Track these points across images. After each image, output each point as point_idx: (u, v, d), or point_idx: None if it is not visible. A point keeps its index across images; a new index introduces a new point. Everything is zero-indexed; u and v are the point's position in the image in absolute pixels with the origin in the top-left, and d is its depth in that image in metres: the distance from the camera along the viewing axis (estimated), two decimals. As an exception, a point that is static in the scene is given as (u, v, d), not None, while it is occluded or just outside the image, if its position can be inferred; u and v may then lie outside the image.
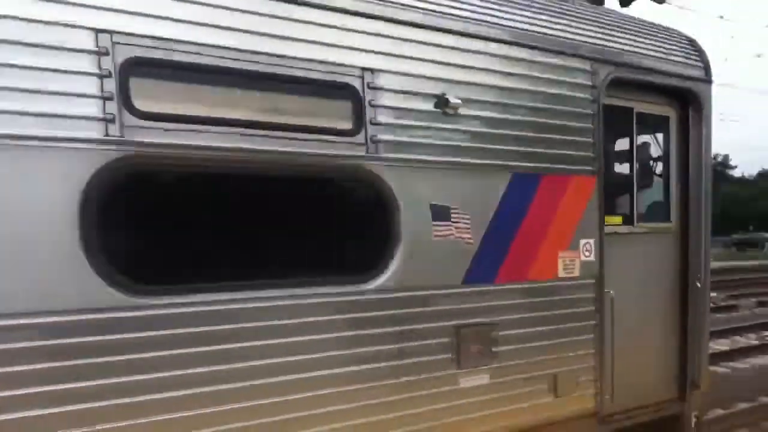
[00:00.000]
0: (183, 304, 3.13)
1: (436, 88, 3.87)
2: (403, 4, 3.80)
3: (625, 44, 4.87)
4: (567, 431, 4.51)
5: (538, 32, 4.36)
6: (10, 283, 2.72)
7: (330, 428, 3.53)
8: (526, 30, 4.31)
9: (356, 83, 3.59)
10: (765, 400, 8.57)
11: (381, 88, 3.67)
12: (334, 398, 3.54)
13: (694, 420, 5.35)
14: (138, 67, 3.00)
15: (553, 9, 4.63)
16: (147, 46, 3.02)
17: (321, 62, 3.48)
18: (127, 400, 2.98)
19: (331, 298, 3.54)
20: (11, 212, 2.72)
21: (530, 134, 4.29)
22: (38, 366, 2.79)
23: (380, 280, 3.70)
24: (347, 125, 3.59)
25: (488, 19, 4.15)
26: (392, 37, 3.73)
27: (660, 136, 5.33)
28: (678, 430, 5.34)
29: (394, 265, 3.74)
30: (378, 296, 3.69)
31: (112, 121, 2.92)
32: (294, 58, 3.40)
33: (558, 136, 4.42)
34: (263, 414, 3.34)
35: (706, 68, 5.28)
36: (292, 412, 3.43)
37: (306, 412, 3.47)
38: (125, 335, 2.98)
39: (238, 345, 3.27)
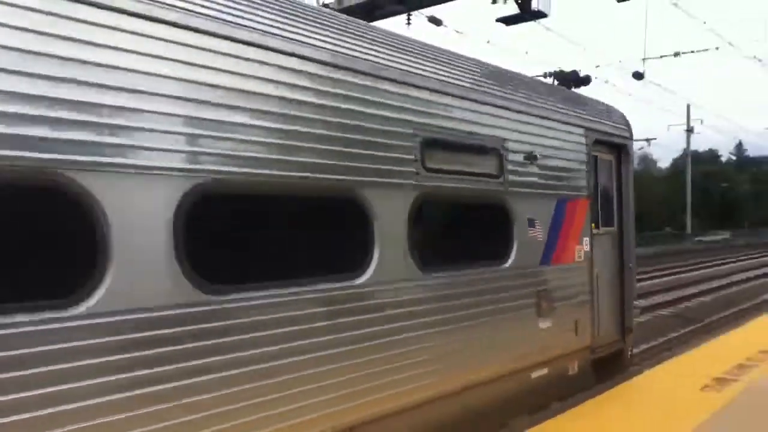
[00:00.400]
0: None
1: (529, 149, 6.57)
2: (523, 102, 6.75)
3: (597, 119, 8.07)
4: (576, 357, 7.33)
5: (566, 114, 7.42)
6: None
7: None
8: (562, 113, 7.38)
9: (500, 147, 6.14)
10: (661, 339, 13.99)
11: (509, 150, 6.25)
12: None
13: (629, 353, 8.63)
14: (426, 144, 5.29)
15: (569, 99, 8.10)
16: (433, 132, 5.40)
17: (488, 136, 6.00)
18: (214, 375, 3.73)
19: (488, 268, 6.11)
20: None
21: (564, 174, 7.22)
22: (147, 353, 3.43)
23: (507, 263, 6.28)
24: (496, 171, 6.13)
25: (547, 109, 7.16)
26: (512, 120, 6.47)
27: (606, 173, 8.45)
28: (620, 360, 8.35)
29: (512, 255, 6.30)
30: (507, 273, 6.23)
31: (418, 173, 5.17)
32: (477, 134, 5.91)
33: (574, 175, 7.40)
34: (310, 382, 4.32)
35: (630, 131, 8.78)
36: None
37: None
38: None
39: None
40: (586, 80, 12.47)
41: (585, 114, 7.82)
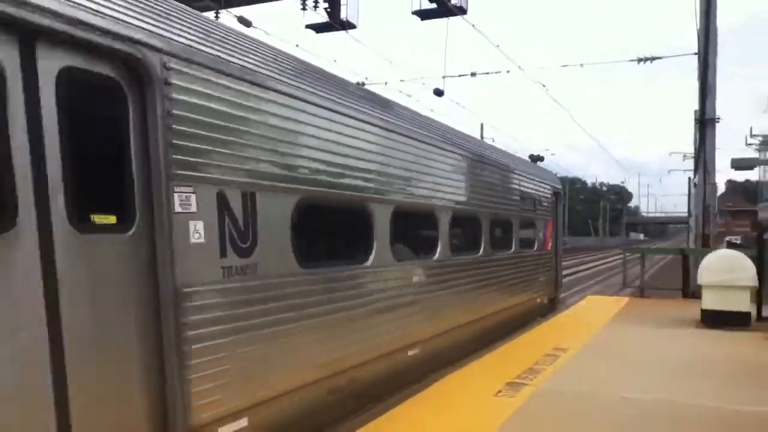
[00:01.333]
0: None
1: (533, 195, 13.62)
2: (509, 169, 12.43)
3: (552, 180, 15.92)
4: (542, 306, 14.55)
5: (546, 180, 14.95)
6: None
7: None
8: (546, 181, 14.96)
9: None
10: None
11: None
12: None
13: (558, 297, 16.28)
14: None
15: (540, 173, 15.26)
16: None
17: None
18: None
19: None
20: None
21: (548, 208, 14.71)
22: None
23: (511, 250, 12.22)
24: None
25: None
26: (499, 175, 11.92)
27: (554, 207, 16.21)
28: (556, 300, 15.98)
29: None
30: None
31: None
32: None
33: (549, 208, 14.78)
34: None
35: (560, 184, 16.52)
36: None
37: None
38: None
39: None
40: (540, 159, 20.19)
41: (548, 177, 15.84)
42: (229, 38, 5.19)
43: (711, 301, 11.01)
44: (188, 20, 4.70)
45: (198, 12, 5.22)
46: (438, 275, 8.62)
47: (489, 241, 10.49)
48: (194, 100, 4.44)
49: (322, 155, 6.10)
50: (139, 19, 4.05)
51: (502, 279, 11.43)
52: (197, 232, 4.40)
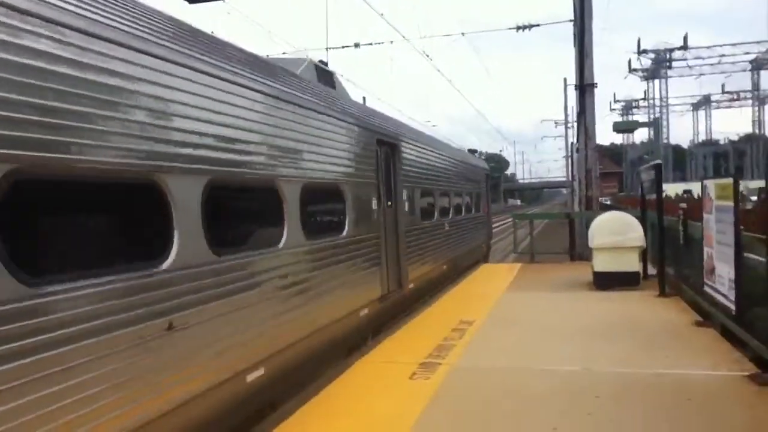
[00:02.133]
0: None
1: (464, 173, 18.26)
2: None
3: (483, 164, 22.63)
4: (483, 247, 21.04)
5: (479, 166, 21.60)
6: None
7: None
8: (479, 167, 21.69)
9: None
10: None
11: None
12: None
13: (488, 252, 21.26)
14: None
15: (475, 162, 21.79)
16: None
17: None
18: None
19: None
20: None
21: (477, 184, 20.26)
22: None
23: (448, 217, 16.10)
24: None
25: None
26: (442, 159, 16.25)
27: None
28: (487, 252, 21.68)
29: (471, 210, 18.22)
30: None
31: None
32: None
33: (482, 185, 21.34)
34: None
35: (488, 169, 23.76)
36: None
37: None
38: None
39: None
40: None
41: (481, 164, 21.54)
42: None
43: (602, 263, 11.26)
44: None
45: None
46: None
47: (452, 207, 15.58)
48: None
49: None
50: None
51: (463, 232, 16.94)
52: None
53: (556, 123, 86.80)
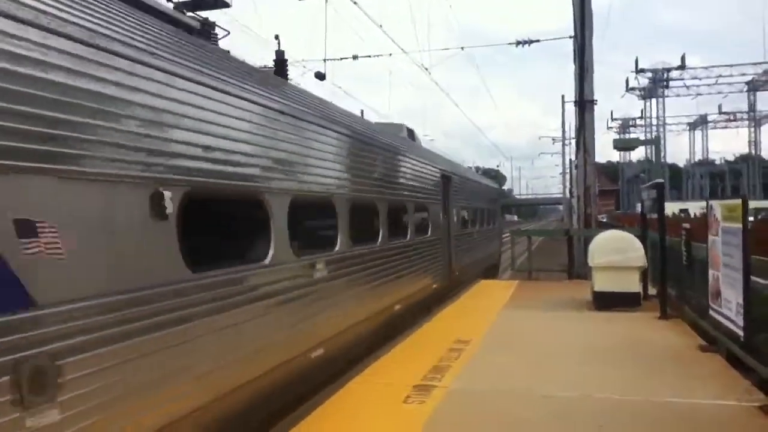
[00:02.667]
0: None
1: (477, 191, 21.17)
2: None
3: (497, 188, 29.28)
4: (496, 257, 24.39)
5: (487, 183, 25.49)
6: None
7: None
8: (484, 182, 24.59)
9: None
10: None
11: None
12: None
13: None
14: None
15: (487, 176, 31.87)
16: None
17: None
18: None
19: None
20: None
21: (493, 202, 24.76)
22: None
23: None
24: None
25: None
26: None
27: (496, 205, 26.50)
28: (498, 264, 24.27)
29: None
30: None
31: None
32: None
33: (495, 204, 25.75)
34: None
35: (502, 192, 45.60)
36: None
37: None
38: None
39: None
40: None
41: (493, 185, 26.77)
42: None
43: (602, 282, 11.00)
44: None
45: None
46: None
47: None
48: None
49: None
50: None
51: (486, 238, 20.91)
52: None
53: (553, 139, 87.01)
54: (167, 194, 4.44)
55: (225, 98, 5.42)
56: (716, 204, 7.49)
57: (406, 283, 10.77)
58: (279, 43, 11.04)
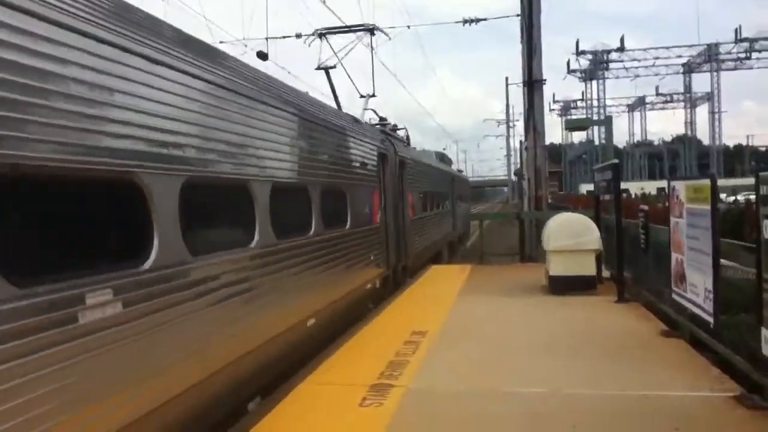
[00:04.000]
0: None
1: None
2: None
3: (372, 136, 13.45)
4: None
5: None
6: None
7: None
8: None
9: None
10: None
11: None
12: None
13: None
14: None
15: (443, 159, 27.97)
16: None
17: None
18: None
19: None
20: None
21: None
22: None
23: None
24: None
25: None
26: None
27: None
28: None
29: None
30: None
31: None
32: None
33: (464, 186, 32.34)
34: None
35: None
36: None
37: None
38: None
39: None
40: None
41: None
42: None
43: (558, 266, 10.74)
44: None
45: None
46: None
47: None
48: None
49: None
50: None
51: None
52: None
53: (498, 122, 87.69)
54: None
55: None
56: (679, 184, 7.22)
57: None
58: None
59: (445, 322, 8.81)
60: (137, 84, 4.41)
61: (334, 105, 13.37)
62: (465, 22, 22.32)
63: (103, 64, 4.05)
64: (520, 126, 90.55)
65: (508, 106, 68.50)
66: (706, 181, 6.32)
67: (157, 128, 4.61)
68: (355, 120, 12.21)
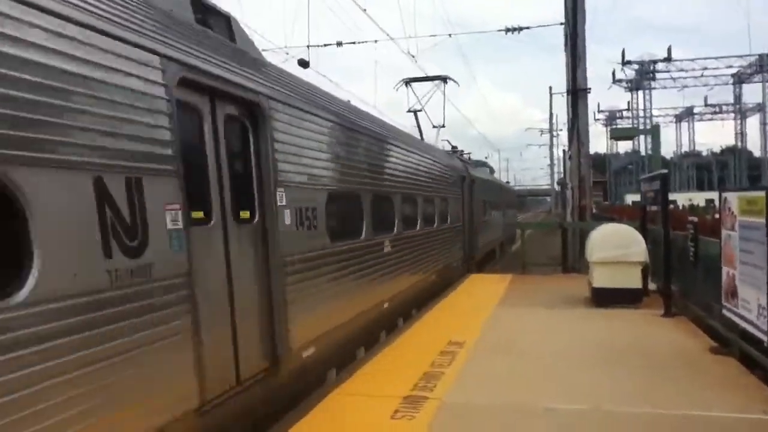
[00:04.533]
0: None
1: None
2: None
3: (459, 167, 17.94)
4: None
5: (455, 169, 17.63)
6: None
7: None
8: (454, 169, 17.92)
9: None
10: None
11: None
12: None
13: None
14: None
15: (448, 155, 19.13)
16: None
17: None
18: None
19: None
20: None
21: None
22: None
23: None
24: None
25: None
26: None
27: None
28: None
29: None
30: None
31: None
32: None
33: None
34: None
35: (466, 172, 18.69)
36: None
37: None
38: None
39: None
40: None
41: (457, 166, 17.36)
42: None
43: (602, 278, 10.41)
44: None
45: None
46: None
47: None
48: None
49: None
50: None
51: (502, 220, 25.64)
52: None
53: (541, 131, 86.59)
54: None
55: None
56: (732, 195, 6.90)
57: None
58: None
59: (483, 333, 8.61)
60: None
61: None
62: (507, 30, 22.08)
63: None
64: (563, 135, 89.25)
65: (551, 115, 67.69)
66: (761, 193, 6.00)
67: None
68: (449, 155, 18.18)
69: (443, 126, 20.40)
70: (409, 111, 19.22)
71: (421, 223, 12.17)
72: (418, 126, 18.90)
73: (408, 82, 19.14)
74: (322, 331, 6.81)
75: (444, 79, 19.41)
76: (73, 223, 3.46)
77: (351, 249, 7.96)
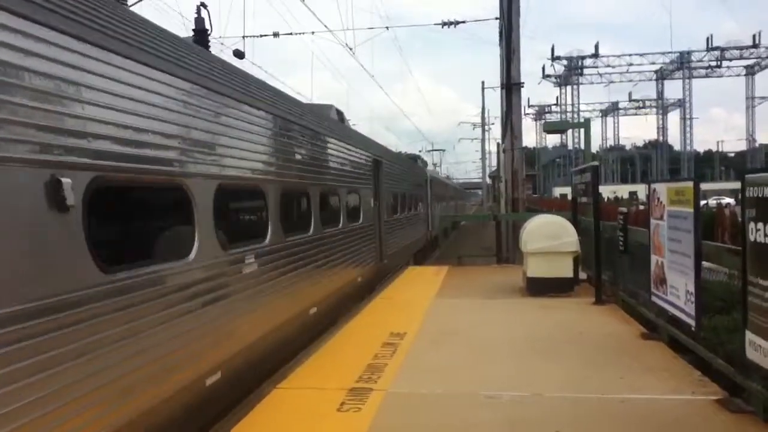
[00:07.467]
0: None
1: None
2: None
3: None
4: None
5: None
6: None
7: None
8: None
9: None
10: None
11: None
12: None
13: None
14: None
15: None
16: None
17: None
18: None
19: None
20: None
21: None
22: None
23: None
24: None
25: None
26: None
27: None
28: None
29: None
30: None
31: None
32: None
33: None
34: None
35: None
36: None
37: None
38: None
39: None
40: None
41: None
42: None
43: (536, 268, 10.69)
44: None
45: None
46: None
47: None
48: None
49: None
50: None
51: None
52: None
53: (473, 125, 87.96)
54: None
55: None
56: (661, 186, 7.18)
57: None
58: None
59: (423, 324, 8.68)
60: None
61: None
62: (443, 24, 22.29)
63: None
64: (495, 129, 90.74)
65: (483, 109, 68.68)
66: (689, 184, 6.28)
67: None
68: (415, 160, 24.44)
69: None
70: None
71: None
72: None
73: None
74: None
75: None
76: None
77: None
